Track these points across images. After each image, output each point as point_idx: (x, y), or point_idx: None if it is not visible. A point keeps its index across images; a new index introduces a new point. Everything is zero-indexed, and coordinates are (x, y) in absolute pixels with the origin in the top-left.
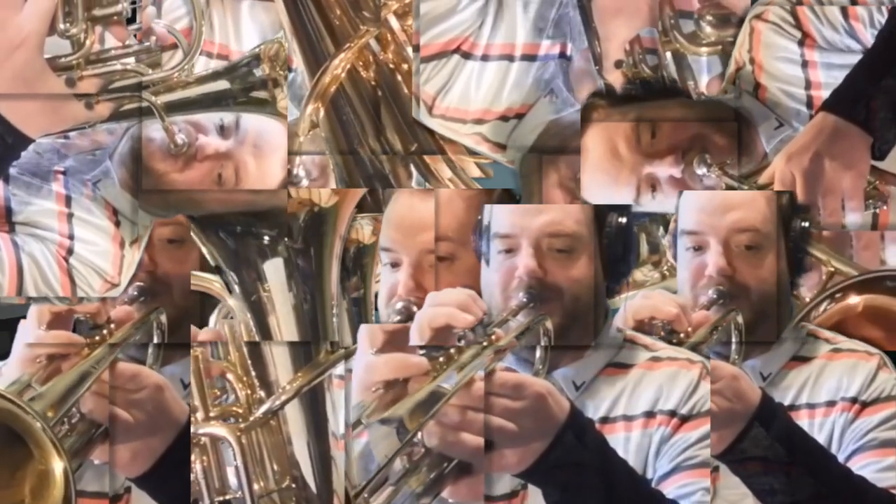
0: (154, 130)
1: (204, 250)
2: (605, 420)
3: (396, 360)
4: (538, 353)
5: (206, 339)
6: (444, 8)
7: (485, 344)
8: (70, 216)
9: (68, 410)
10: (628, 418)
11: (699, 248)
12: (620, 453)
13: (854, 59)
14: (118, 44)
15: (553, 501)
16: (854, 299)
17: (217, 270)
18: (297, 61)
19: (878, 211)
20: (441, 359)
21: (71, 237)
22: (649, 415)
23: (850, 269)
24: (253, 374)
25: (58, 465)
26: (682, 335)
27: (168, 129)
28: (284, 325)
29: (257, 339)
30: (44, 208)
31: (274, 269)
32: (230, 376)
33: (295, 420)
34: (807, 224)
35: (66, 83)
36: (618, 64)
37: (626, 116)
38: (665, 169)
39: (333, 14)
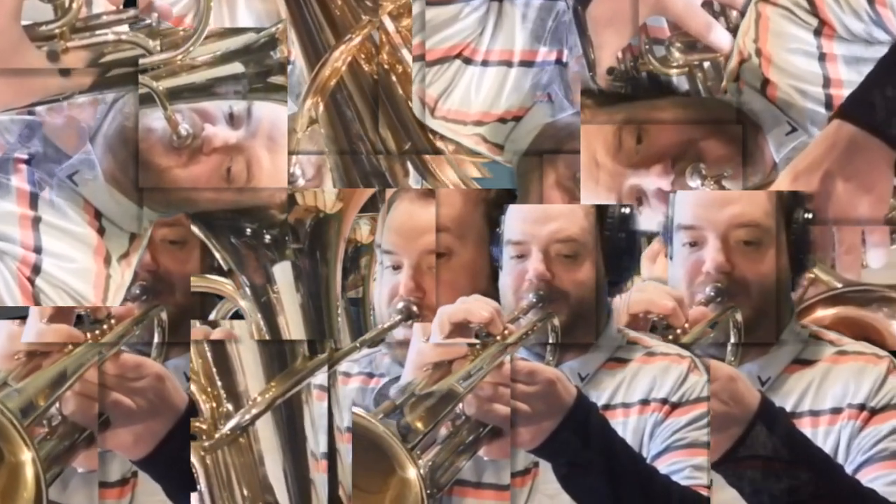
0: (154, 120)
1: (217, 255)
2: (606, 407)
3: (442, 345)
4: (548, 347)
5: (218, 337)
6: (447, 16)
7: (502, 340)
8: (36, 221)
9: (47, 409)
10: (626, 405)
11: (696, 244)
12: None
13: (881, 52)
14: (111, 8)
15: (561, 475)
16: (823, 312)
17: (228, 273)
18: (296, 53)
19: None
20: (478, 346)
21: (37, 250)
22: (644, 402)
23: (831, 277)
24: (219, 384)
25: (26, 456)
26: (678, 331)
27: (171, 119)
28: (293, 324)
29: (268, 337)
30: (0, 210)
31: (282, 272)
32: (192, 387)
33: (268, 437)
34: (810, 216)
35: (48, 56)
36: (609, 71)
37: (613, 118)
38: (652, 180)
39: (334, 4)
